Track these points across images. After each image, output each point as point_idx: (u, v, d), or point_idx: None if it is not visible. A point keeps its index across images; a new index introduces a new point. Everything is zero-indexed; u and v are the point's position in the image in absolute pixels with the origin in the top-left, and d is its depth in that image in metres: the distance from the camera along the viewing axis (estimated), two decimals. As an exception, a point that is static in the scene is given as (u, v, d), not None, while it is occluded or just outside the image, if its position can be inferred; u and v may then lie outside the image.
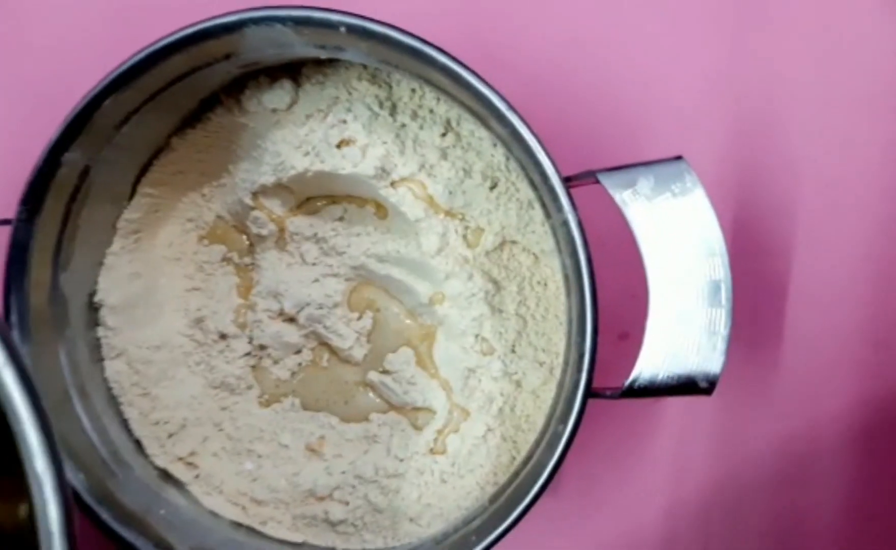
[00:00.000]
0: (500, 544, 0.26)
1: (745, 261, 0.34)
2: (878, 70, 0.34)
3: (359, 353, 0.33)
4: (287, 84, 0.31)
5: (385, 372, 0.33)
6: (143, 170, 0.32)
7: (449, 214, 0.31)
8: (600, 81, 0.34)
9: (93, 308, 0.31)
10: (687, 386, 0.24)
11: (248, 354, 0.33)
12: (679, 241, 0.24)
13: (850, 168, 0.34)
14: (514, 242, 0.32)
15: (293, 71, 0.31)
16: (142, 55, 0.27)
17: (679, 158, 0.25)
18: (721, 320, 0.24)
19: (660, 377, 0.24)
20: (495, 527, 0.26)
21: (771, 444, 0.34)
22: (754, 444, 0.34)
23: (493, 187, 0.31)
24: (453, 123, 0.31)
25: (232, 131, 0.32)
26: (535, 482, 0.25)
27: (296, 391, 0.33)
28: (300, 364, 0.33)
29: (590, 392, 0.25)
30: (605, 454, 0.35)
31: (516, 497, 0.26)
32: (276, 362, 0.33)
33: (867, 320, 0.34)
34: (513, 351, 0.32)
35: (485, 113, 0.27)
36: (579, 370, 0.25)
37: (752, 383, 0.34)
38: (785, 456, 0.34)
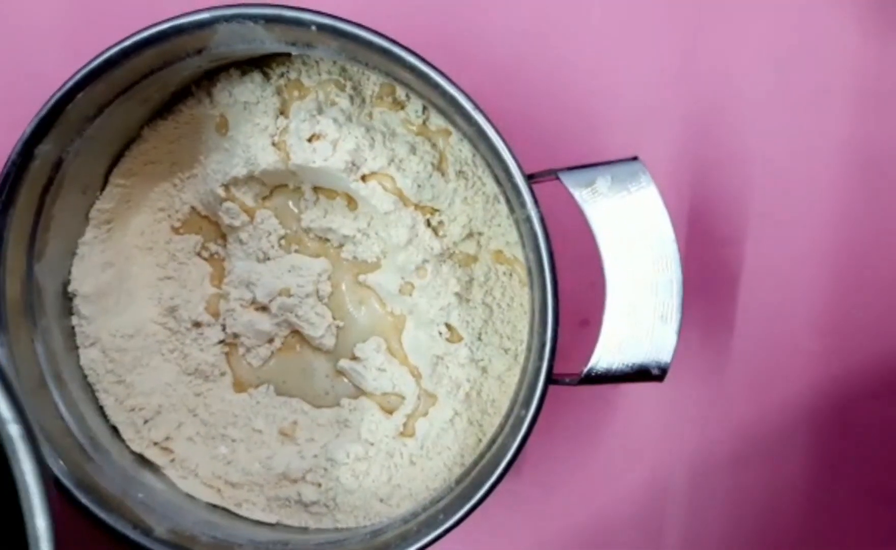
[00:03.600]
0: (466, 522, 0.28)
1: (700, 250, 0.36)
2: (829, 67, 0.36)
3: (330, 341, 0.34)
4: (257, 77, 0.32)
5: (356, 359, 0.34)
6: (115, 161, 0.32)
7: (418, 207, 0.32)
8: (564, 79, 0.35)
9: (67, 297, 0.32)
10: (640, 374, 0.26)
11: (221, 341, 0.34)
12: (634, 237, 0.26)
13: (801, 162, 0.36)
14: (480, 233, 0.33)
15: (263, 64, 0.32)
16: (114, 50, 0.27)
17: (635, 158, 0.26)
18: (672, 312, 0.26)
19: (615, 365, 0.26)
20: (461, 506, 0.27)
21: (724, 428, 0.36)
22: (708, 427, 0.36)
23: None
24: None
25: (203, 123, 0.33)
26: (498, 463, 0.27)
27: (269, 378, 0.34)
28: (273, 352, 0.34)
29: (551, 379, 0.26)
30: (566, 437, 0.36)
31: (481, 477, 0.27)
32: (249, 349, 0.34)
33: (815, 308, 0.36)
34: (479, 339, 0.33)
35: (451, 111, 0.28)
36: (541, 358, 0.27)
37: (705, 368, 0.36)
38: (738, 439, 0.36)
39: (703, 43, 0.36)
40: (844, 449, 0.36)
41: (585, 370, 0.26)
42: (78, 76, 0.28)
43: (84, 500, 0.28)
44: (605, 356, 0.26)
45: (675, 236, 0.26)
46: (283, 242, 0.34)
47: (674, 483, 0.36)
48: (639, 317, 0.26)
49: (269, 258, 0.34)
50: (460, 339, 0.33)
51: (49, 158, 0.29)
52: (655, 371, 0.26)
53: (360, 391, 0.34)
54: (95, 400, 0.32)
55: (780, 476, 0.36)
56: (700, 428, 0.36)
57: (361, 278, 0.34)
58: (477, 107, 0.27)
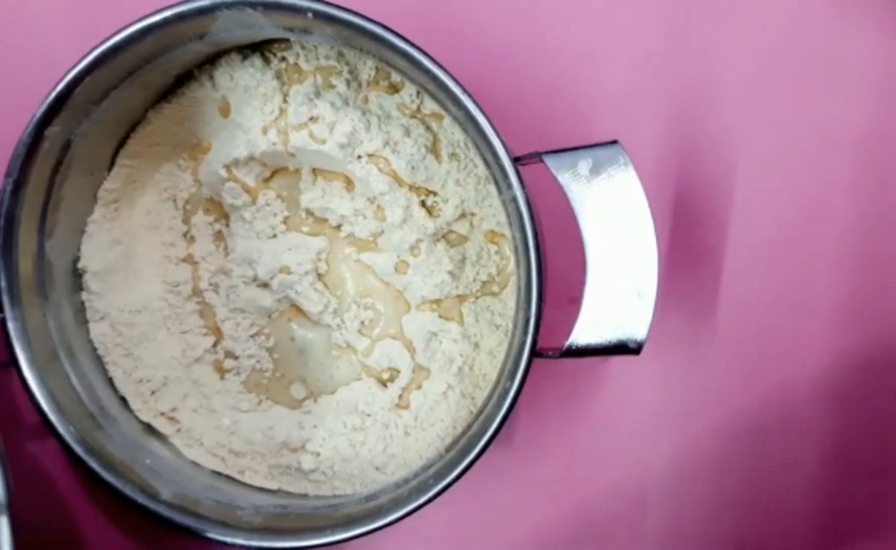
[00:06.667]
0: (460, 491, 0.29)
1: (684, 232, 0.36)
2: (812, 51, 0.36)
3: (328, 317, 0.35)
4: (257, 61, 0.33)
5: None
6: (122, 142, 0.33)
7: (412, 188, 0.33)
8: (555, 63, 0.36)
9: (77, 274, 0.33)
10: (618, 347, 0.27)
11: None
12: (613, 217, 0.27)
13: (784, 145, 0.36)
14: (472, 214, 0.34)
15: (263, 48, 0.33)
16: (118, 37, 0.28)
17: (615, 141, 0.27)
18: (648, 289, 0.27)
19: (594, 339, 0.27)
20: (450, 473, 0.28)
21: (708, 401, 0.37)
22: (693, 402, 0.37)
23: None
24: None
25: (206, 106, 0.34)
26: (484, 433, 0.28)
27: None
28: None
29: (535, 353, 0.28)
30: (557, 410, 0.37)
31: (469, 446, 0.29)
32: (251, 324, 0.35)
33: (793, 286, 0.37)
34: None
35: (442, 95, 0.29)
36: (525, 333, 0.28)
37: (690, 346, 0.37)
38: (722, 412, 0.37)
39: (691, 27, 0.36)
40: (829, 426, 0.37)
41: (566, 343, 0.27)
42: (84, 62, 0.29)
43: (94, 465, 0.30)
44: (585, 330, 0.27)
45: (654, 216, 0.27)
46: (286, 221, 0.35)
47: (659, 455, 0.37)
48: (617, 294, 0.27)
49: (275, 237, 0.35)
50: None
51: (58, 140, 0.30)
52: (632, 345, 0.27)
53: (357, 364, 0.35)
54: (105, 372, 0.33)
55: (763, 450, 0.37)
56: (685, 403, 0.37)
57: (358, 256, 0.35)
58: (466, 91, 0.27)
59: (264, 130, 0.33)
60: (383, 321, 0.35)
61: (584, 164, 0.27)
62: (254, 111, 0.33)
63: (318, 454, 0.34)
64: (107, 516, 0.36)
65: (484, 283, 0.34)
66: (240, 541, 0.29)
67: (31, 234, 0.31)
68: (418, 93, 0.33)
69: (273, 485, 0.34)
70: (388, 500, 0.30)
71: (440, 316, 0.34)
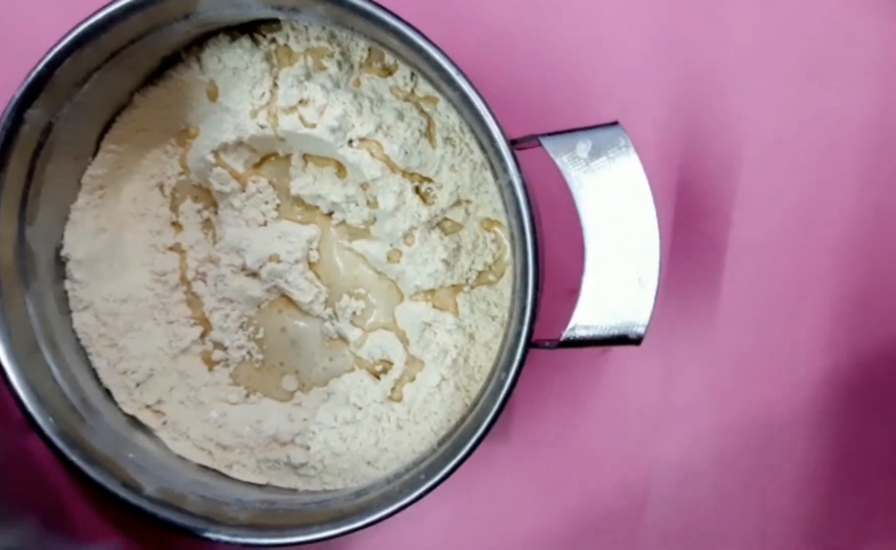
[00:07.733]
0: (453, 486, 0.28)
1: (687, 220, 0.36)
2: (818, 37, 0.36)
3: (319, 307, 0.34)
4: (246, 43, 0.32)
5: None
6: (107, 127, 0.33)
7: (406, 173, 0.32)
8: (552, 45, 0.35)
9: (60, 262, 0.32)
10: (618, 337, 0.26)
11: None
12: (614, 202, 0.26)
13: (788, 132, 0.36)
14: (468, 201, 0.33)
15: (252, 29, 0.32)
16: (100, 15, 0.28)
17: (615, 123, 0.26)
18: (649, 277, 0.26)
19: (593, 329, 0.26)
20: (442, 467, 0.27)
21: (707, 396, 0.36)
22: (692, 396, 0.36)
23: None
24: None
25: (193, 89, 0.33)
26: (479, 426, 0.27)
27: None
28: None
29: (531, 343, 0.27)
30: (555, 401, 0.36)
31: (463, 439, 0.28)
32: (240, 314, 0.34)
33: (798, 278, 0.36)
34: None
35: (436, 76, 0.28)
36: (521, 323, 0.27)
37: (691, 335, 0.36)
38: (722, 400, 0.37)
39: (696, 8, 0.35)
40: (836, 422, 0.37)
41: (564, 334, 0.26)
42: (65, 41, 0.28)
43: (75, 459, 0.29)
44: (584, 320, 0.26)
45: (656, 202, 0.26)
46: (278, 208, 0.34)
47: (659, 450, 0.37)
48: (617, 282, 0.26)
49: (265, 224, 0.34)
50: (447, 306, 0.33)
51: (39, 123, 0.29)
52: (633, 335, 0.26)
53: (349, 356, 0.34)
54: (88, 363, 0.33)
55: (767, 445, 0.37)
56: (687, 396, 0.36)
57: (350, 244, 0.34)
58: (460, 72, 0.27)
59: (253, 114, 0.32)
60: (376, 312, 0.34)
61: (582, 146, 0.26)
62: (242, 94, 0.32)
63: (309, 448, 0.33)
64: (99, 509, 0.35)
65: (479, 272, 0.33)
66: (225, 537, 0.29)
67: (11, 220, 0.30)
68: (412, 75, 0.32)
69: (261, 480, 0.33)
70: (378, 496, 0.29)
71: (434, 306, 0.33)
